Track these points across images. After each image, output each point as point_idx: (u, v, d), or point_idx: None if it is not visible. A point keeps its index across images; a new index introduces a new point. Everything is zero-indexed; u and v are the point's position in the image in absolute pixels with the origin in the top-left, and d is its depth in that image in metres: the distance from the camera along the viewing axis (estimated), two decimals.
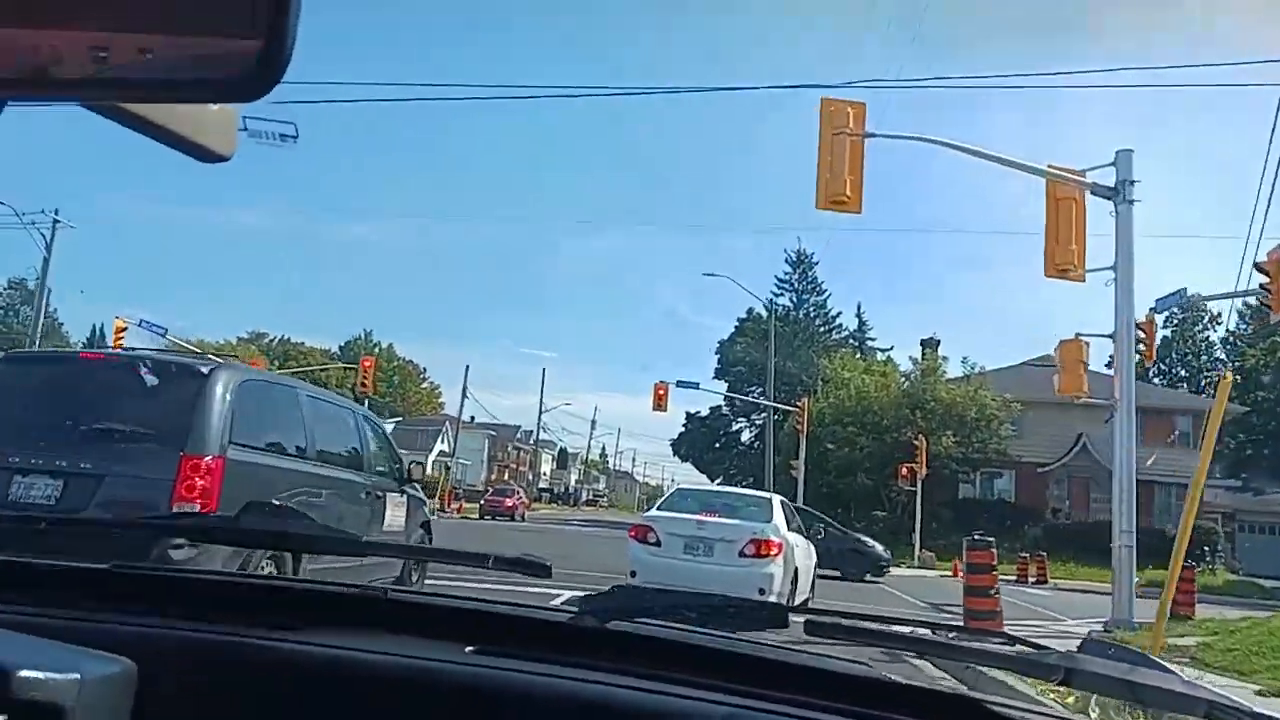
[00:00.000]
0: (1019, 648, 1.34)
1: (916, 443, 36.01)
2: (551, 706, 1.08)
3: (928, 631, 1.43)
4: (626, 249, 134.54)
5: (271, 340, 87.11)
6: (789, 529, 11.63)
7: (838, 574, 22.47)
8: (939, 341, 45.77)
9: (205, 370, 6.43)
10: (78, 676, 0.88)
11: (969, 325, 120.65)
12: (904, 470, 36.20)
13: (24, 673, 0.83)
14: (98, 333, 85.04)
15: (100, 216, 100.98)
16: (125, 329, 35.21)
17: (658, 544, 10.93)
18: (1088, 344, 15.48)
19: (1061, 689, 1.48)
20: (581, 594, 7.68)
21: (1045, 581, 30.29)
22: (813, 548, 13.51)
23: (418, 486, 9.76)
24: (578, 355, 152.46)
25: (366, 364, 39.14)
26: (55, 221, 38.47)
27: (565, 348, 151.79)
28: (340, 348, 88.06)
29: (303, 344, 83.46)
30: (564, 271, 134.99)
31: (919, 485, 35.77)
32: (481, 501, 45.89)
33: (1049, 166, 13.91)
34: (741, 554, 10.58)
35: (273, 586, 1.43)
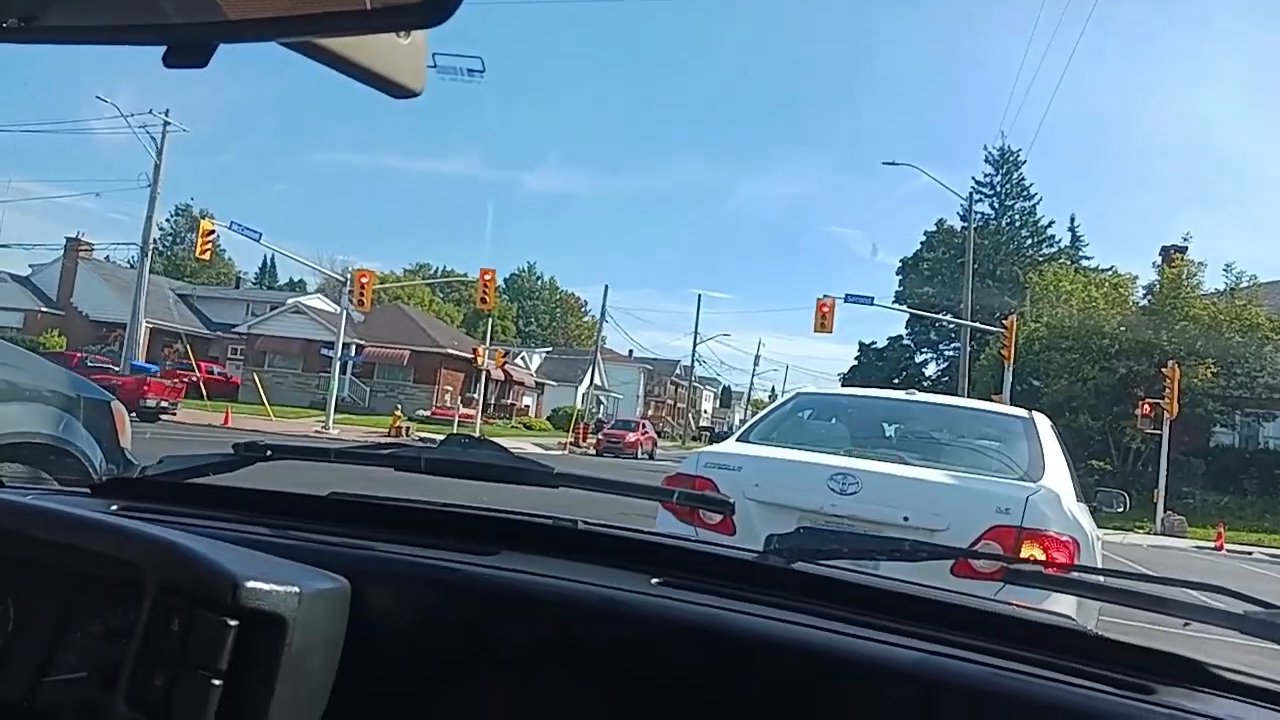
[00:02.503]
0: (1246, 605, 1.21)
1: (1165, 371, 27.50)
2: (734, 642, 1.08)
3: (1140, 583, 1.31)
4: (796, 189, 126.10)
5: (435, 271, 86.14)
6: (1074, 496, 4.80)
7: None
8: (1187, 248, 35.76)
9: None
10: (297, 590, 1.01)
11: (1223, 234, 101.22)
12: (1145, 407, 27.95)
13: (252, 584, 0.98)
14: (269, 264, 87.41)
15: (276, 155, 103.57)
16: (213, 232, 31.47)
17: (728, 527, 4.32)
18: None
19: None
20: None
21: None
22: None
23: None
24: (753, 297, 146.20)
25: (487, 276, 34.21)
26: (166, 124, 35.38)
27: (740, 288, 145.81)
28: (505, 280, 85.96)
29: (465, 275, 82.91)
30: (735, 212, 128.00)
31: (1166, 428, 27.45)
32: (598, 436, 40.29)
33: None
34: (960, 570, 3.70)
35: (474, 515, 1.47)
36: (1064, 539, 4.12)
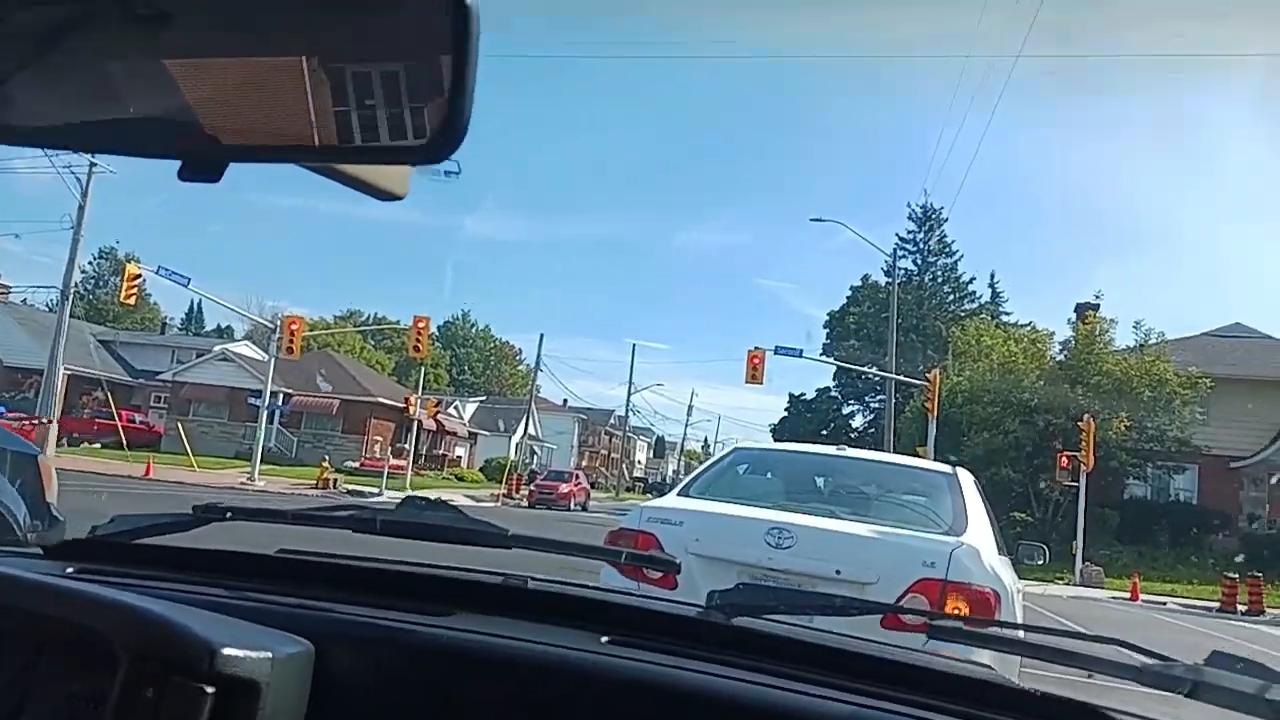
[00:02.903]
0: (1142, 658, 1.30)
1: (1080, 425, 28.45)
2: (681, 699, 1.12)
3: (1049, 637, 1.40)
4: (730, 239, 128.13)
5: (366, 318, 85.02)
6: (996, 549, 5.01)
7: None
8: (1099, 305, 37.13)
9: None
10: (270, 655, 1.02)
11: (1131, 291, 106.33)
12: (1064, 460, 28.84)
13: (227, 650, 0.98)
14: (195, 309, 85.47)
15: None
16: (139, 276, 30.89)
17: (669, 581, 4.19)
18: None
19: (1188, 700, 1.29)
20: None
21: (1261, 611, 22.88)
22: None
23: None
24: (687, 348, 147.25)
25: (420, 323, 34.07)
26: (92, 165, 34.65)
27: (673, 339, 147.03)
28: (438, 328, 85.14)
29: (398, 322, 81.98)
30: (668, 262, 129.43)
31: (1082, 480, 28.35)
32: (530, 488, 39.81)
33: None
34: (889, 623, 2.76)
35: (427, 575, 1.50)
36: (986, 591, 4.33)
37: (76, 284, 40.48)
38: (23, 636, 1.14)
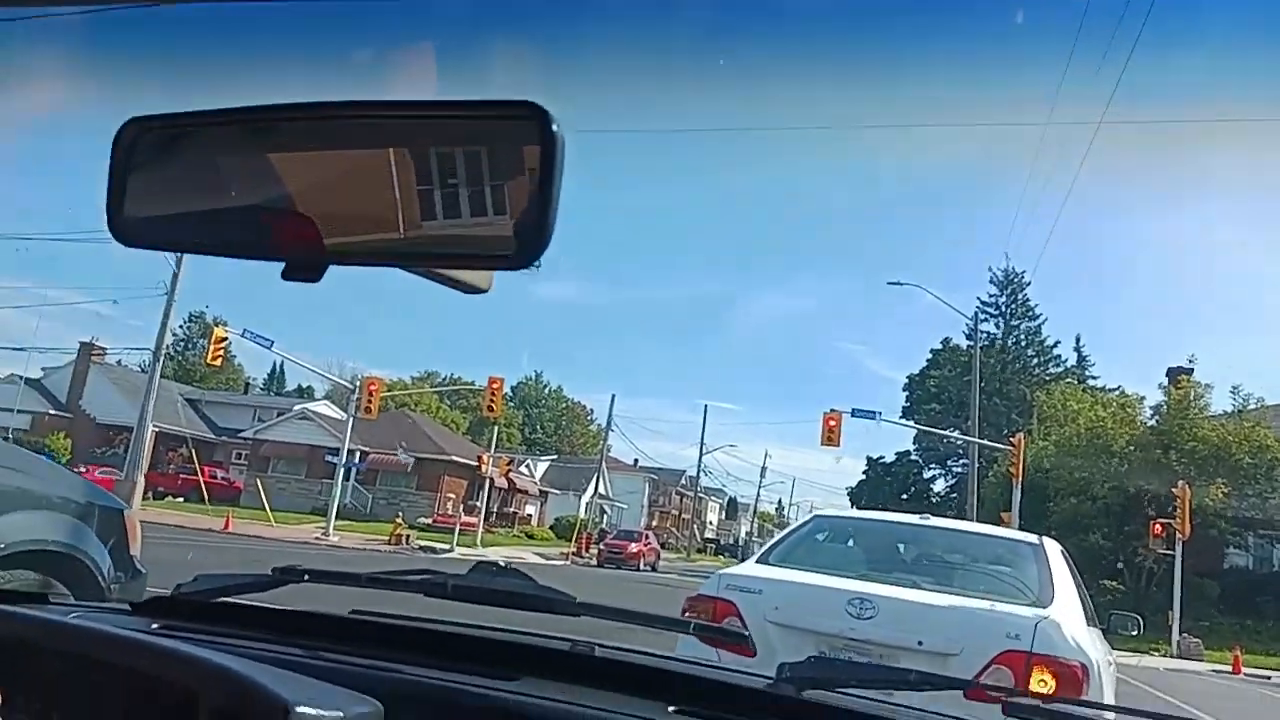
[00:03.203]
0: None
1: (1176, 491, 27.22)
2: None
3: (1136, 718, 1.32)
4: (804, 302, 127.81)
5: (443, 379, 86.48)
6: (1085, 620, 4.88)
7: None
8: (1192, 369, 35.80)
9: None
10: (341, 715, 1.03)
11: (1226, 356, 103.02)
12: (1157, 527, 27.58)
13: (301, 708, 1.00)
14: (278, 370, 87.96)
15: None
16: (225, 339, 31.84)
17: (748, 650, 3.89)
18: None
19: None
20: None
21: None
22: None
23: None
24: (759, 409, 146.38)
25: (495, 383, 34.45)
26: None
27: (746, 400, 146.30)
28: (511, 388, 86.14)
29: (473, 383, 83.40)
30: (742, 324, 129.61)
31: (1178, 548, 27.04)
32: (599, 547, 39.44)
33: None
34: (972, 695, 2.09)
35: (495, 640, 1.51)
36: (1073, 664, 4.18)
37: (168, 346, 41.95)
38: (113, 689, 1.18)
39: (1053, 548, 5.43)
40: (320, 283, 0.97)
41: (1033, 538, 5.69)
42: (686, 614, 4.64)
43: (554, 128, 0.89)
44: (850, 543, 6.09)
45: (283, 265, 0.96)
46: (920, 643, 4.34)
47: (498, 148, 0.94)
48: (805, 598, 4.75)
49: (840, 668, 1.56)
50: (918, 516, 6.42)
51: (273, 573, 1.68)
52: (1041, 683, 4.11)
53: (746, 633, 1.66)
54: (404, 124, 0.99)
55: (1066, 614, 4.57)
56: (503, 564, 1.82)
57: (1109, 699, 4.76)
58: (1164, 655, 25.40)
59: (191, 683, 1.08)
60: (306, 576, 1.68)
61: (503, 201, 0.93)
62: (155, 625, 1.45)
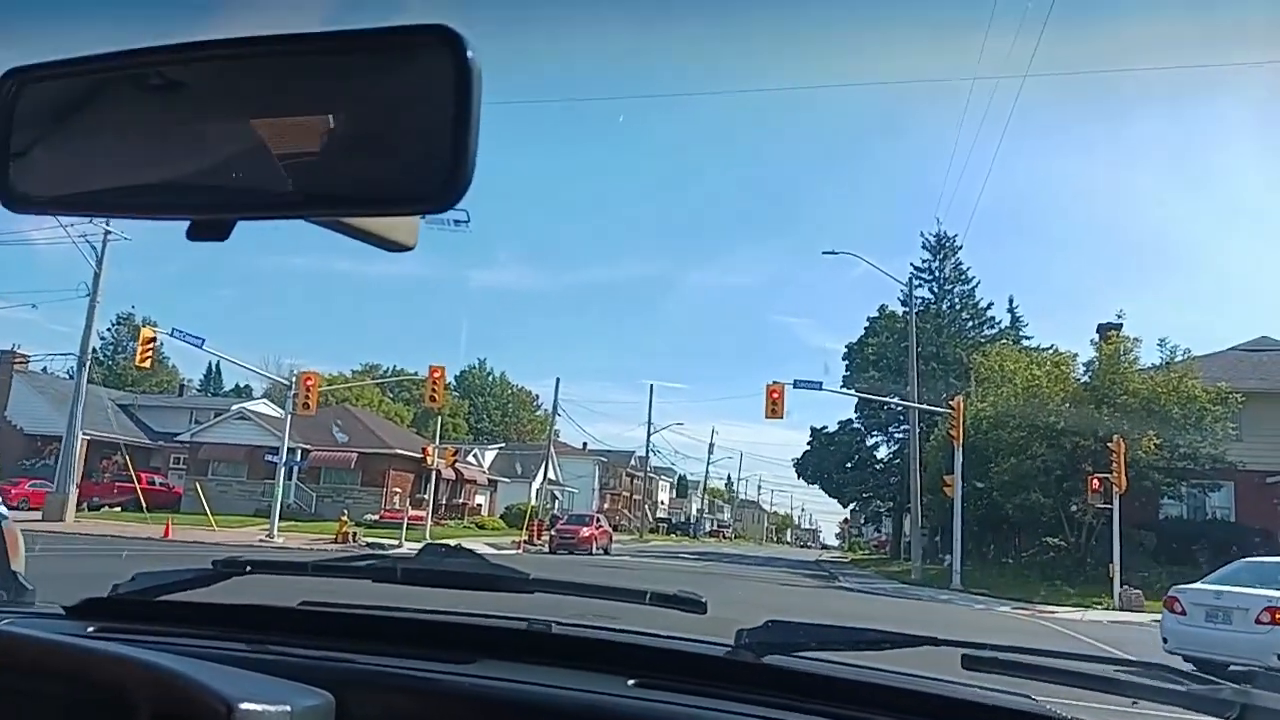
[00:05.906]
0: (1188, 683, 1.31)
1: (1110, 446, 27.91)
2: None
3: (1090, 664, 1.41)
4: (742, 278, 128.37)
5: (385, 371, 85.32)
6: None
7: None
8: (1121, 324, 36.59)
9: None
10: (289, 709, 1.01)
11: (1153, 310, 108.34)
12: (1095, 482, 28.26)
13: (245, 705, 0.97)
14: (213, 370, 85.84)
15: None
16: (154, 340, 30.93)
17: (1184, 613, 11.63)
18: None
19: None
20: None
21: None
22: None
23: None
24: (705, 386, 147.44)
25: (436, 373, 34.03)
26: (107, 233, 34.95)
27: (691, 378, 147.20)
28: (455, 378, 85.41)
29: (415, 374, 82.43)
30: (683, 302, 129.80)
31: (1116, 502, 27.74)
32: (551, 533, 39.22)
33: None
34: (1258, 620, 10.31)
35: (449, 623, 1.48)
36: None
37: (94, 350, 40.72)
38: (47, 697, 1.13)
39: None
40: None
41: None
42: (1165, 606, 7.21)
43: (469, 54, 0.83)
44: (1241, 573, 11.27)
45: (187, 225, 0.90)
46: (1239, 604, 9.67)
47: (408, 79, 0.87)
48: (1197, 590, 9.23)
49: (798, 630, 1.54)
50: None
51: (213, 566, 1.61)
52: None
53: (703, 599, 1.64)
54: (306, 59, 0.91)
55: None
56: (452, 544, 1.77)
57: None
58: (1107, 609, 26.01)
59: (129, 686, 1.03)
60: (249, 568, 1.62)
61: (415, 138, 0.87)
62: (91, 629, 1.39)
